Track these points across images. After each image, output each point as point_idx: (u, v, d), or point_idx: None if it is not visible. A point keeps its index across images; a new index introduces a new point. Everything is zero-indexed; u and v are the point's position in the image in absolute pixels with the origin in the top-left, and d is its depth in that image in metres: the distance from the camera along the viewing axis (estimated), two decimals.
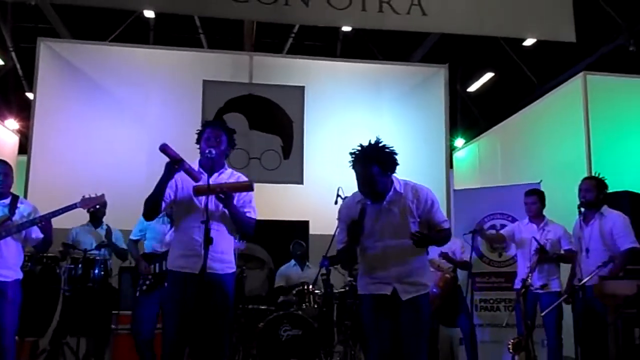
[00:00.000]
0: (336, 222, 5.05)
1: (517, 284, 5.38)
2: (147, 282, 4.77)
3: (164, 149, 3.40)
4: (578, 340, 4.47)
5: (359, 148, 3.43)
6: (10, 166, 4.54)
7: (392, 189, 3.43)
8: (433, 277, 5.12)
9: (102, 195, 4.65)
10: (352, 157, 3.43)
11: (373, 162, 3.35)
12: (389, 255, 3.40)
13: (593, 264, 4.56)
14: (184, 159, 3.44)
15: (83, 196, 4.57)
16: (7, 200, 4.41)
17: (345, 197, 4.98)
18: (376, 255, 3.44)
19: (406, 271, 3.40)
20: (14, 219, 4.33)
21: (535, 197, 5.59)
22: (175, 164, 3.37)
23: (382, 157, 3.39)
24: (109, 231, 5.81)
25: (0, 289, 4.19)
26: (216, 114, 7.74)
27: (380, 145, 3.44)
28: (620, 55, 10.91)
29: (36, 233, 4.39)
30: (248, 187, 3.52)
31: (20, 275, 4.36)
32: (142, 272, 4.83)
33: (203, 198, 3.38)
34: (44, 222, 4.32)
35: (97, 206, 4.73)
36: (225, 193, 3.38)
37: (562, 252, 5.38)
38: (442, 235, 3.49)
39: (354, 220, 3.33)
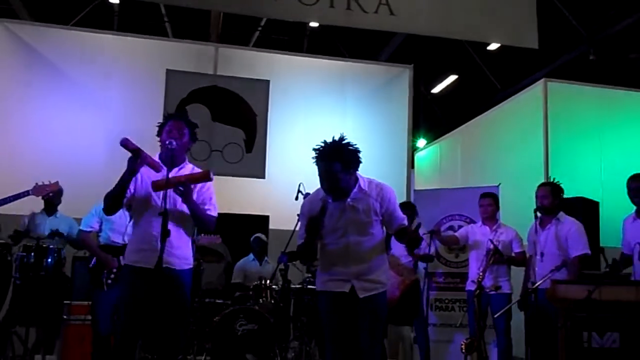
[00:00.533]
0: (296, 217, 5.09)
1: (469, 285, 5.47)
2: (112, 276, 4.67)
3: (125, 143, 3.31)
4: (528, 342, 4.56)
5: (322, 144, 3.40)
6: None
7: (357, 187, 3.43)
8: (394, 281, 5.14)
9: (56, 183, 4.55)
10: (316, 153, 3.40)
11: (336, 159, 3.32)
12: (351, 252, 3.40)
13: (547, 267, 4.66)
14: (144, 152, 3.37)
15: (36, 183, 4.47)
16: None
17: (307, 193, 5.01)
18: (338, 251, 3.43)
19: (365, 269, 3.40)
20: None
21: (490, 200, 5.70)
22: (137, 158, 3.30)
23: (346, 155, 3.37)
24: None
25: None
26: (179, 104, 7.64)
27: (344, 142, 3.42)
28: (580, 63, 11.17)
29: None
30: (206, 177, 3.44)
31: None
32: (110, 266, 4.71)
33: (161, 193, 3.31)
34: None
35: (51, 194, 4.62)
36: (184, 185, 3.33)
37: (513, 254, 5.48)
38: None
39: (313, 216, 3.31)
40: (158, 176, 3.40)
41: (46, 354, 5.34)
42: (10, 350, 5.14)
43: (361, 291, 3.37)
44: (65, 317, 5.24)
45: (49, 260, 5.18)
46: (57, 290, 5.45)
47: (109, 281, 4.64)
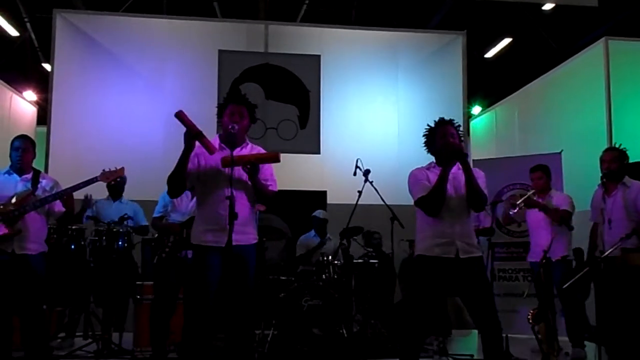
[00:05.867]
0: (353, 191, 5.12)
1: (532, 257, 5.44)
2: (167, 250, 4.77)
3: (180, 116, 3.40)
4: (599, 312, 4.48)
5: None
6: (30, 141, 4.56)
7: (456, 166, 3.70)
8: None
9: (122, 169, 4.66)
10: (438, 122, 3.78)
11: (454, 124, 3.79)
12: (455, 213, 3.60)
13: (616, 235, 4.53)
14: (200, 129, 3.44)
15: (103, 170, 4.60)
16: (29, 176, 4.47)
17: (367, 170, 5.07)
18: (447, 214, 3.60)
19: (466, 231, 3.64)
20: (36, 193, 4.38)
21: (539, 173, 5.61)
22: (192, 133, 3.37)
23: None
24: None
25: (26, 262, 4.27)
26: (232, 84, 7.73)
27: None
28: None
29: (59, 207, 4.45)
30: (275, 158, 3.54)
31: (44, 248, 4.43)
32: (175, 230, 4.77)
33: (227, 172, 3.39)
34: (66, 196, 4.37)
35: (118, 179, 4.75)
36: (253, 164, 3.42)
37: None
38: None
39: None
40: (220, 157, 3.47)
41: (118, 332, 5.57)
42: (90, 329, 5.38)
43: (463, 252, 3.58)
44: (138, 297, 5.43)
45: (120, 243, 5.38)
46: (128, 271, 5.66)
47: (163, 255, 4.73)
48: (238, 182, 3.47)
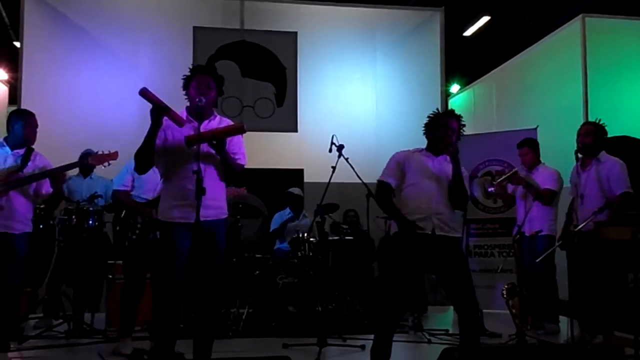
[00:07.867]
0: (330, 169, 5.05)
1: (515, 230, 5.44)
2: (137, 232, 4.66)
3: (144, 92, 3.29)
4: (571, 285, 4.50)
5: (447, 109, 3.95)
6: (30, 116, 4.49)
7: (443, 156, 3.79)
8: None
9: (116, 153, 4.58)
10: (446, 112, 3.88)
11: (460, 120, 3.79)
12: (434, 191, 3.63)
13: (589, 209, 4.54)
14: (166, 104, 3.34)
15: (95, 152, 4.55)
16: (22, 151, 4.40)
17: (340, 145, 4.98)
18: (426, 192, 3.64)
19: (443, 210, 3.63)
20: (25, 170, 4.30)
21: (525, 148, 5.57)
22: (158, 109, 3.28)
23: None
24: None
25: (9, 241, 4.19)
26: (207, 61, 7.59)
27: None
28: None
29: (46, 188, 4.38)
30: (240, 130, 3.43)
31: (29, 229, 4.36)
32: (149, 215, 4.63)
33: (193, 149, 3.30)
34: (54, 175, 4.30)
35: (109, 163, 4.64)
36: (218, 139, 3.32)
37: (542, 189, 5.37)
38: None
39: (412, 224, 3.58)
40: (188, 130, 3.38)
41: (91, 312, 5.50)
42: (61, 309, 5.30)
43: (439, 230, 3.58)
44: (110, 276, 5.34)
45: (90, 222, 5.26)
46: (99, 250, 5.57)
47: (133, 237, 4.62)
48: (206, 155, 3.37)
